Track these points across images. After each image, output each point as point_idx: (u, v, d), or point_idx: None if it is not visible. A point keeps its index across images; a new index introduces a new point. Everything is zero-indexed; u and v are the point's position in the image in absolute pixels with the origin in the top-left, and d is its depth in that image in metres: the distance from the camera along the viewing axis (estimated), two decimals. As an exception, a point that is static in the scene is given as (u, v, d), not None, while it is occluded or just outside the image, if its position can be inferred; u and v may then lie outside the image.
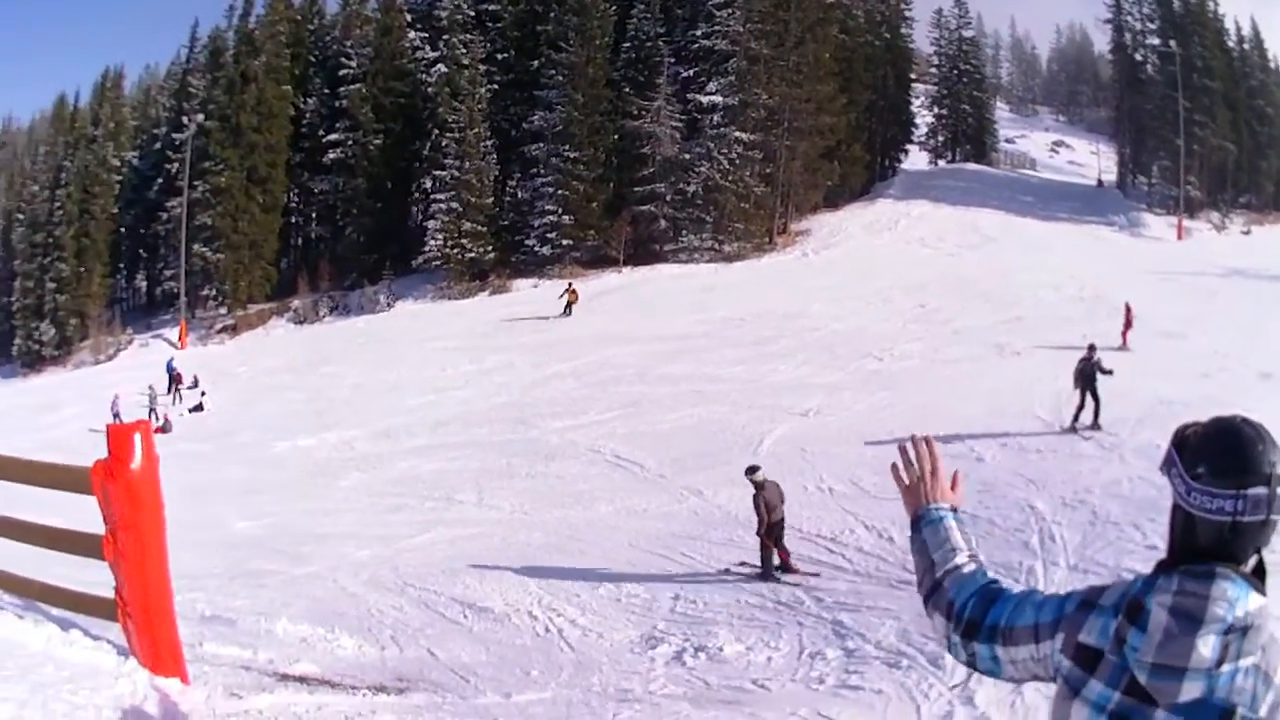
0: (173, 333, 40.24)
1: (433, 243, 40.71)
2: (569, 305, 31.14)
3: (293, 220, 47.14)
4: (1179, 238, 38.44)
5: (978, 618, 1.52)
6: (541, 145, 41.41)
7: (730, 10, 41.28)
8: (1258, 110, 44.82)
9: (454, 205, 40.85)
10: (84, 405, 25.89)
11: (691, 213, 40.33)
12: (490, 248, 40.61)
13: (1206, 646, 1.26)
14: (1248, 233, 40.12)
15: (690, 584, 9.30)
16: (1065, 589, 1.63)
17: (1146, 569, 1.39)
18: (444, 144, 41.47)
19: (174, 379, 28.19)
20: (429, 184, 42.99)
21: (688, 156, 40.82)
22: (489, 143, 42.13)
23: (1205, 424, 1.37)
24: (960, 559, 1.61)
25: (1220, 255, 32.75)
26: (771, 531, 9.45)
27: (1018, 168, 55.13)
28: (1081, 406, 13.64)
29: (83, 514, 4.29)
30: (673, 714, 5.08)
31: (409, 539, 11.98)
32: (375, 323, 37.16)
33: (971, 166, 50.95)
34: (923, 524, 1.67)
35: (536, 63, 42.41)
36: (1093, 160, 53.18)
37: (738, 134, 40.38)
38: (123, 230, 47.49)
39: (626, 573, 9.75)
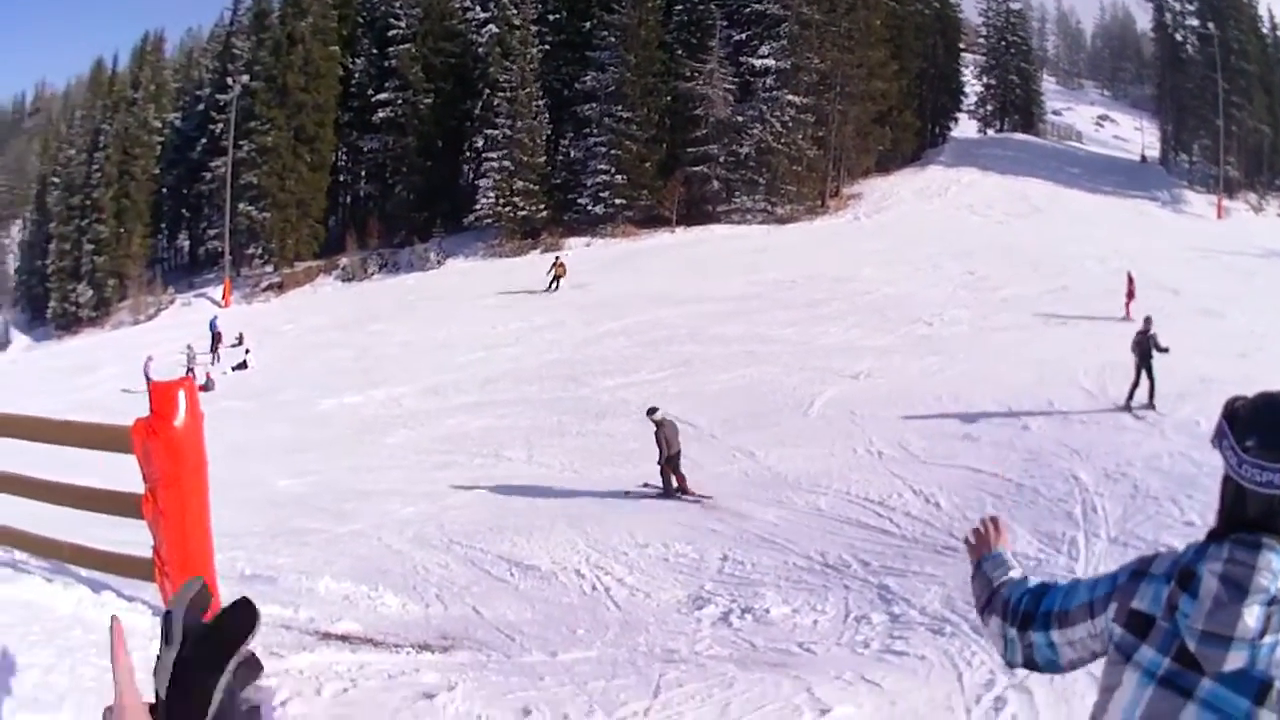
0: (216, 291, 40.89)
1: (484, 201, 40.98)
2: (556, 279, 30.22)
3: (341, 179, 47.43)
4: (1219, 216, 38.34)
5: (1032, 609, 1.57)
6: (594, 105, 41.35)
7: (782, -25, 40.56)
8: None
9: (506, 164, 40.97)
10: (121, 366, 26.21)
11: (744, 174, 40.30)
12: (542, 206, 40.71)
13: (1252, 616, 1.25)
14: (1283, 215, 39.65)
15: (738, 545, 9.15)
16: (1105, 562, 1.48)
17: (1182, 545, 1.39)
18: (496, 103, 41.58)
19: (215, 337, 28.45)
20: (480, 143, 43.07)
21: (740, 119, 40.71)
22: (541, 102, 42.13)
23: (1254, 398, 1.38)
24: (1015, 573, 1.71)
25: (1258, 235, 32.64)
26: (670, 461, 11.32)
27: (1064, 139, 54.97)
28: (1136, 383, 13.36)
29: (112, 475, 4.19)
30: (718, 675, 4.95)
31: (455, 495, 11.93)
32: (425, 280, 37.40)
33: (1019, 136, 50.97)
34: (984, 561, 1.78)
35: (588, 24, 42.39)
36: (1136, 136, 52.53)
37: (790, 97, 40.23)
38: (164, 190, 48.09)
39: (675, 532, 9.62)
